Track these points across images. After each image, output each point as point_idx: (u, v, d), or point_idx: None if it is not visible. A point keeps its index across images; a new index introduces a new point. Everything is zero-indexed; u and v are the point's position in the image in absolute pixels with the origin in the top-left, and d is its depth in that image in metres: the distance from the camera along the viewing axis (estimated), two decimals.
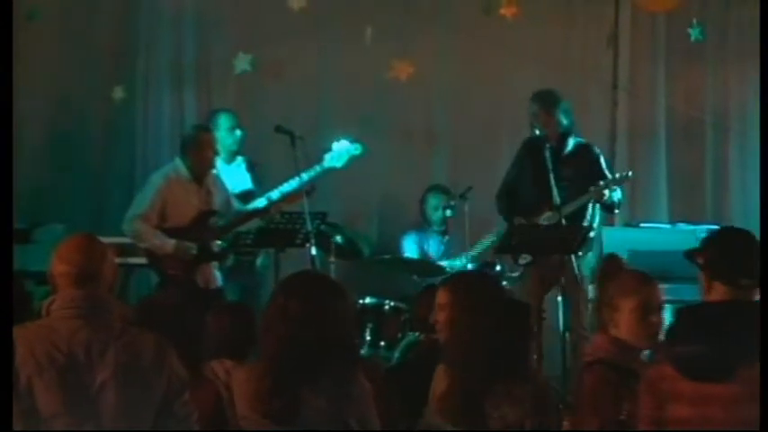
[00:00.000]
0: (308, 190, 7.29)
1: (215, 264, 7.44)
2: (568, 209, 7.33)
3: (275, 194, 7.65)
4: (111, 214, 8.25)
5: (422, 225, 8.69)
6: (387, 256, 8.45)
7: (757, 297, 3.71)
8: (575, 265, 7.13)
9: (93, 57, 8.94)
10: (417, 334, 7.30)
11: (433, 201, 8.61)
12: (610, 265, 4.33)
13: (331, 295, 3.90)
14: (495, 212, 7.93)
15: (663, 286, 4.21)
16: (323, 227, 7.53)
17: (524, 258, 7.45)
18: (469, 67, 8.85)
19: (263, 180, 8.12)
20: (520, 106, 7.99)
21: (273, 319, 3.85)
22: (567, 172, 7.46)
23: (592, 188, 7.37)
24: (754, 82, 8.59)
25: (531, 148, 7.55)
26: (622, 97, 9.04)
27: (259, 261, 8.13)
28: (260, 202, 7.72)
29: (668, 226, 8.52)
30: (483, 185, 8.19)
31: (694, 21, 8.55)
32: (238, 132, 8.18)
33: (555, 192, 7.27)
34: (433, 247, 8.61)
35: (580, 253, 7.19)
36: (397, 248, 8.60)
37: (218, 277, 7.44)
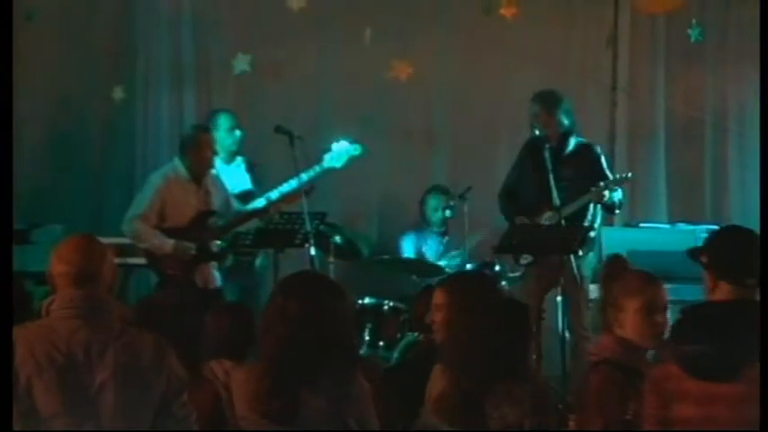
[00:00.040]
0: (307, 190, 7.29)
1: (214, 264, 7.43)
2: (568, 210, 7.32)
3: (274, 195, 7.65)
4: (110, 214, 8.25)
5: (421, 226, 8.69)
6: (386, 257, 8.45)
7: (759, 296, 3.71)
8: (574, 265, 7.13)
9: (92, 57, 8.94)
10: (416, 334, 7.31)
11: (432, 202, 8.61)
12: (614, 266, 4.32)
13: (330, 296, 3.90)
14: (494, 213, 7.93)
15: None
16: (322, 227, 7.53)
17: (525, 258, 7.45)
18: (469, 67, 8.85)
19: (262, 180, 8.12)
20: (519, 106, 7.99)
21: (272, 320, 3.85)
22: (568, 172, 7.45)
23: (593, 189, 7.36)
24: (754, 82, 8.59)
25: (532, 149, 7.54)
26: (622, 98, 9.04)
27: (258, 261, 8.12)
28: (259, 203, 7.72)
29: (667, 226, 8.52)
30: (482, 186, 8.19)
31: (694, 22, 8.54)
32: (238, 133, 8.18)
33: (554, 192, 7.27)
34: (433, 247, 8.60)
35: (581, 253, 7.19)
36: (396, 249, 8.60)
37: (217, 277, 7.44)
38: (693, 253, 3.88)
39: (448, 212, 8.50)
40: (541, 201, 7.39)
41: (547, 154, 7.34)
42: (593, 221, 7.54)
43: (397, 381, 5.21)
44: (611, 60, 9.00)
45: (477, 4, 8.51)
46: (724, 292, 3.73)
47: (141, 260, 7.51)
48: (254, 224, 7.49)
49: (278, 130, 7.32)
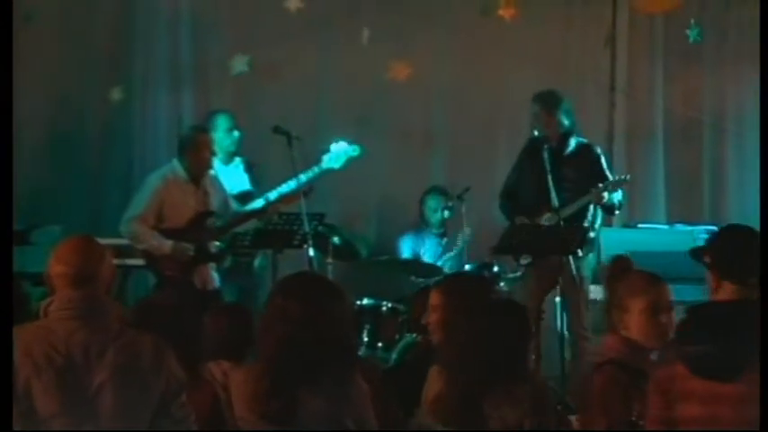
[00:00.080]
0: (305, 191, 7.29)
1: (212, 265, 7.43)
2: (567, 211, 7.32)
3: (273, 195, 7.64)
4: (108, 215, 8.24)
5: (420, 226, 8.69)
6: (384, 258, 8.46)
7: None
8: (573, 266, 7.13)
9: (91, 57, 8.94)
10: (415, 335, 7.31)
11: (431, 202, 8.61)
12: (618, 266, 4.32)
13: (329, 296, 3.90)
14: (492, 213, 7.93)
15: None
16: (320, 228, 7.53)
17: (525, 258, 7.44)
18: (468, 68, 8.84)
19: (261, 181, 8.11)
20: (518, 107, 7.99)
21: (271, 321, 3.84)
22: (568, 173, 7.44)
23: (592, 190, 7.35)
24: (752, 83, 8.59)
25: (532, 150, 7.53)
26: (620, 98, 9.04)
27: (257, 262, 8.12)
28: (257, 203, 7.71)
29: (666, 227, 8.53)
30: (481, 186, 8.20)
31: (692, 22, 8.54)
32: (236, 133, 8.17)
33: (553, 193, 7.27)
34: (431, 248, 8.60)
35: (580, 254, 7.19)
36: (394, 250, 8.60)
37: (215, 278, 7.43)
38: (696, 253, 3.88)
39: (447, 213, 8.51)
40: (541, 201, 7.39)
41: (546, 155, 7.34)
42: (593, 222, 7.54)
43: (395, 382, 5.21)
44: (610, 61, 9.01)
45: (475, 4, 8.52)
46: (728, 291, 3.73)
47: (139, 261, 7.50)
48: (252, 225, 7.49)
49: (276, 130, 7.32)
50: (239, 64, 8.76)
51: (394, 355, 7.38)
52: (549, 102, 7.52)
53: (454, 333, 4.15)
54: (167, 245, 7.23)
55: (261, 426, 3.77)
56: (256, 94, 8.88)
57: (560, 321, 7.16)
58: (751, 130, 8.75)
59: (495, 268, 7.84)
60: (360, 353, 7.11)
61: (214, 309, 5.06)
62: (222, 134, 8.05)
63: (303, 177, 7.40)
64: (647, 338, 4.02)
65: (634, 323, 4.03)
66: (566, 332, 7.18)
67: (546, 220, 7.39)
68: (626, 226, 8.50)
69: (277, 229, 7.35)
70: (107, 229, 7.53)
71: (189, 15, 9.07)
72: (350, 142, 7.94)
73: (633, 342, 4.02)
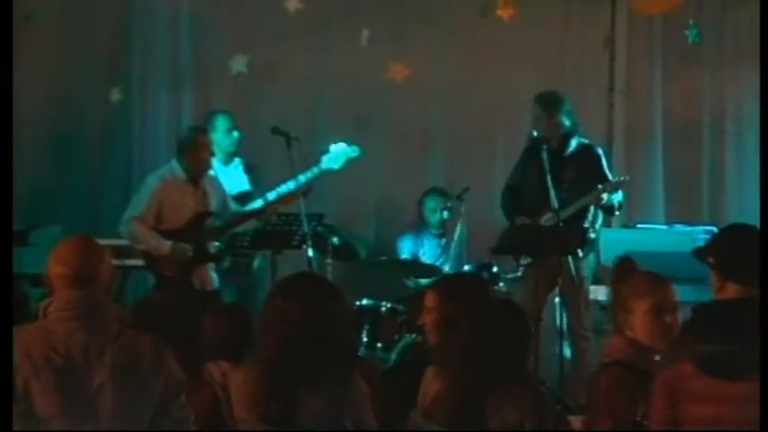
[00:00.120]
0: (304, 191, 7.29)
1: (212, 265, 7.43)
2: (567, 212, 7.32)
3: (272, 196, 7.64)
4: (107, 216, 8.24)
5: (419, 227, 8.69)
6: (383, 258, 8.45)
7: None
8: (572, 266, 7.13)
9: (91, 58, 8.93)
10: (414, 336, 7.31)
11: (430, 203, 8.61)
12: (623, 267, 4.30)
13: (328, 297, 3.90)
14: (492, 213, 7.93)
15: None
16: (320, 228, 7.53)
17: (525, 258, 7.44)
18: (466, 68, 8.85)
19: (261, 182, 8.11)
20: (517, 107, 8.00)
21: (271, 321, 3.84)
22: (569, 173, 7.44)
23: (595, 191, 7.35)
24: (751, 84, 8.60)
25: (533, 150, 7.53)
26: (619, 99, 9.05)
27: (256, 263, 8.12)
28: (256, 204, 7.71)
29: (665, 227, 8.53)
30: (480, 186, 8.20)
31: (691, 23, 8.53)
32: (236, 134, 8.17)
33: (552, 194, 7.26)
34: (430, 249, 8.60)
35: (581, 254, 7.19)
36: (393, 250, 8.60)
37: (214, 279, 7.43)
38: (699, 253, 3.88)
39: (446, 214, 8.52)
40: (541, 202, 7.38)
41: (545, 155, 7.34)
42: (593, 222, 7.54)
43: (395, 382, 5.21)
44: (609, 62, 9.01)
45: (473, 5, 8.51)
46: (731, 291, 3.73)
47: (139, 262, 7.50)
48: (251, 225, 7.49)
49: (275, 131, 7.32)
50: (238, 64, 8.75)
51: (393, 356, 7.38)
52: (549, 103, 7.51)
53: (453, 334, 4.14)
54: (166, 245, 7.23)
55: (260, 426, 3.77)
56: (256, 94, 8.88)
57: (560, 321, 7.17)
58: (750, 131, 8.76)
59: (495, 269, 7.84)
60: (359, 353, 7.11)
61: (213, 309, 5.06)
62: (221, 135, 8.05)
63: (302, 178, 7.40)
64: (651, 339, 4.02)
65: (639, 324, 4.02)
66: (565, 332, 7.18)
67: (546, 220, 7.39)
68: (625, 226, 8.51)
69: (276, 230, 7.35)
70: (106, 229, 7.53)
71: (188, 16, 9.07)
72: (349, 143, 7.95)
73: (638, 343, 4.01)
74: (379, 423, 3.97)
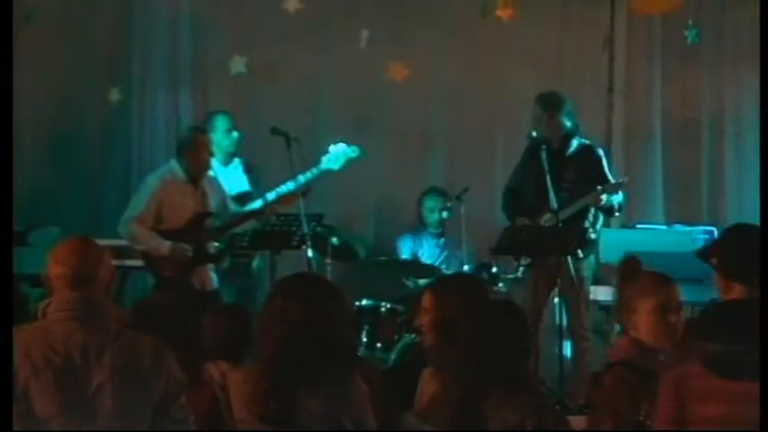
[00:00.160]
0: (304, 192, 7.29)
1: (211, 266, 7.43)
2: (566, 213, 7.31)
3: (271, 196, 7.64)
4: (107, 216, 8.24)
5: (418, 227, 8.69)
6: (383, 258, 8.46)
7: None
8: (571, 266, 7.13)
9: (91, 58, 8.94)
10: (413, 336, 7.30)
11: (429, 203, 8.61)
12: (628, 267, 4.30)
13: (328, 297, 3.90)
14: (491, 213, 7.93)
15: None
16: (319, 229, 7.53)
17: (525, 258, 7.44)
18: (466, 68, 8.84)
19: (260, 182, 8.12)
20: (516, 108, 8.00)
21: (270, 321, 3.84)
22: (570, 174, 7.44)
23: (594, 192, 7.35)
24: (751, 84, 8.60)
25: (533, 150, 7.53)
26: (618, 100, 9.04)
27: (255, 263, 8.12)
28: (256, 204, 7.71)
29: (664, 227, 8.53)
30: (479, 187, 8.20)
31: (690, 23, 8.53)
32: (235, 134, 8.17)
33: (552, 195, 7.26)
34: (429, 249, 8.60)
35: (581, 255, 7.18)
36: (393, 250, 8.60)
37: (214, 279, 7.43)
38: (703, 254, 3.87)
39: (445, 214, 8.52)
40: (541, 202, 7.38)
41: (544, 156, 7.33)
42: (593, 223, 7.53)
43: (394, 382, 5.20)
44: (608, 62, 9.01)
45: (473, 5, 8.51)
46: (736, 291, 3.73)
47: (138, 262, 7.51)
48: (250, 226, 7.49)
49: (274, 131, 7.32)
50: (237, 65, 8.76)
51: (393, 356, 7.38)
52: (550, 103, 7.51)
53: (451, 334, 4.14)
54: (166, 246, 7.23)
55: (260, 426, 3.77)
56: (255, 94, 8.89)
57: (559, 321, 7.17)
58: (749, 131, 8.75)
59: (495, 269, 7.84)
60: (359, 353, 7.12)
61: (212, 310, 5.05)
62: (221, 135, 8.05)
63: (302, 178, 7.40)
64: (656, 339, 4.02)
65: (643, 324, 4.02)
66: (565, 332, 7.18)
67: (546, 221, 7.39)
68: (624, 226, 8.50)
69: (275, 230, 7.35)
70: (106, 229, 7.53)
71: (188, 16, 9.07)
72: (349, 143, 7.94)
73: (642, 343, 4.01)
74: (379, 423, 3.96)
